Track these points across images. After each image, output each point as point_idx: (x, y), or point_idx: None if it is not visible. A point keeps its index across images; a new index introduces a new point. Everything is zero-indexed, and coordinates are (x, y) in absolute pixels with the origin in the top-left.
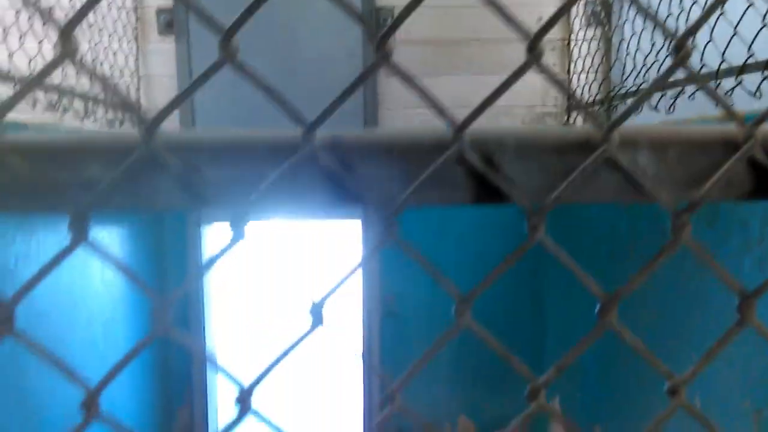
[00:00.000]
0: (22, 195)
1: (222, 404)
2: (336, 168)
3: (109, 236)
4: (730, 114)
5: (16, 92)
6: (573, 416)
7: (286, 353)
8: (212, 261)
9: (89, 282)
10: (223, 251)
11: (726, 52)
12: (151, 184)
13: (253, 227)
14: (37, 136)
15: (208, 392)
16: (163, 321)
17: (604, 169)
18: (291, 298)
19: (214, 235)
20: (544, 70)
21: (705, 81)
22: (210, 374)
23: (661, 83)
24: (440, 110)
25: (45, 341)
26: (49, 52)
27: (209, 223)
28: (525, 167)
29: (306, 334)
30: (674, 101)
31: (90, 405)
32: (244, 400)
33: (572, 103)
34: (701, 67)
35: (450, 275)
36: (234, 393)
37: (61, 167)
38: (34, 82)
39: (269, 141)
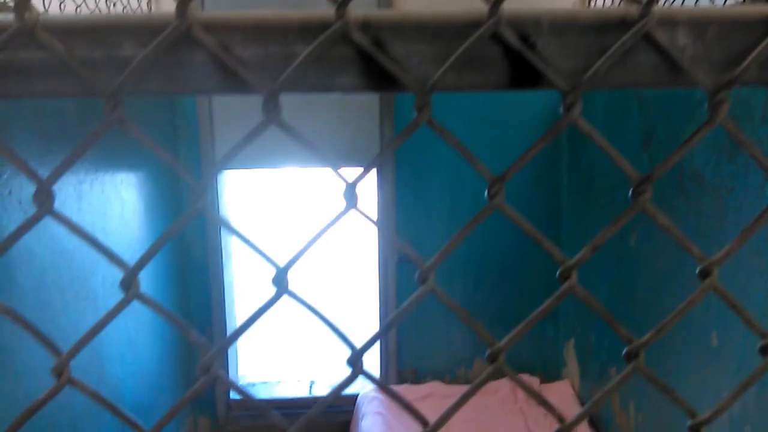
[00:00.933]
0: (55, 75)
1: (241, 343)
2: (368, 47)
3: (128, 180)
4: None
5: None
6: (588, 359)
7: (320, 234)
8: (248, 140)
9: (110, 222)
10: (254, 132)
11: None
12: (185, 65)
13: (266, 176)
14: (71, 15)
15: (227, 330)
16: (201, 201)
17: (641, 48)
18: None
19: (227, 181)
20: None
21: None
22: (229, 314)
23: None
24: None
25: (68, 281)
26: None
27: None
28: (561, 46)
29: (339, 216)
30: None
31: (129, 284)
32: (280, 279)
33: None
34: None
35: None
36: (269, 276)
37: (95, 45)
38: None
39: (302, 20)
